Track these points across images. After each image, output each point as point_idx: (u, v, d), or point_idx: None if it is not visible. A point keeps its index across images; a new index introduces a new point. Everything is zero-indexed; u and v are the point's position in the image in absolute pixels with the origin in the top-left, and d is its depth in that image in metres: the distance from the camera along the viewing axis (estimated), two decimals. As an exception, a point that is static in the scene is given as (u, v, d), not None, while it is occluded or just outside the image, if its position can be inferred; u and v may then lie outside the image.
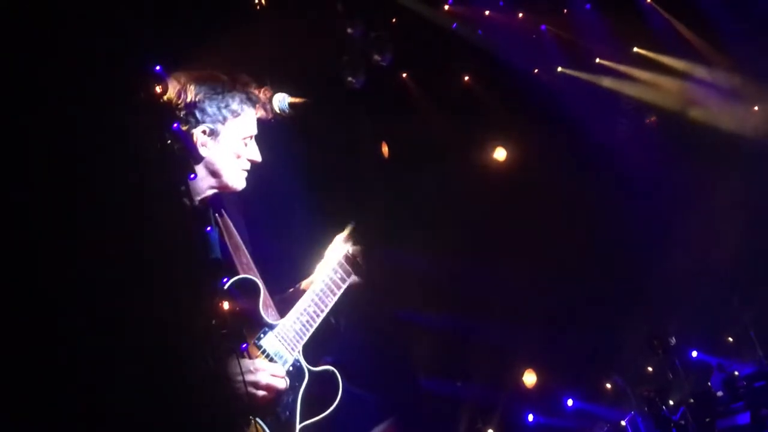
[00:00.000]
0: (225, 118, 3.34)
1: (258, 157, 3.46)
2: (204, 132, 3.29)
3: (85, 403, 2.35)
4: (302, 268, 3.77)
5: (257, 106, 3.47)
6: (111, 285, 2.44)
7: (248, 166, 3.45)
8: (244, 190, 3.50)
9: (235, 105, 3.37)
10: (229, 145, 3.36)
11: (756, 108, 9.74)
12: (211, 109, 3.31)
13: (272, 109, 3.52)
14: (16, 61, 2.40)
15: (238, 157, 3.39)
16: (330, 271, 3.55)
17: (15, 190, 2.37)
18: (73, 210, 2.43)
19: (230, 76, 3.43)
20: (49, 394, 2.32)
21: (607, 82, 9.85)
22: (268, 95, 3.55)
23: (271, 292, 3.48)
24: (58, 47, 2.48)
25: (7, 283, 2.30)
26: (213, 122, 3.31)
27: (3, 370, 2.25)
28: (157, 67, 3.12)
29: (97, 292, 2.42)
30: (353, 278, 3.59)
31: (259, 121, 3.51)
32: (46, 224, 2.38)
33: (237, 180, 3.42)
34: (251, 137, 3.44)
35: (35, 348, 2.32)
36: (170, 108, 3.23)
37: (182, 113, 3.28)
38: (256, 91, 3.50)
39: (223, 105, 3.34)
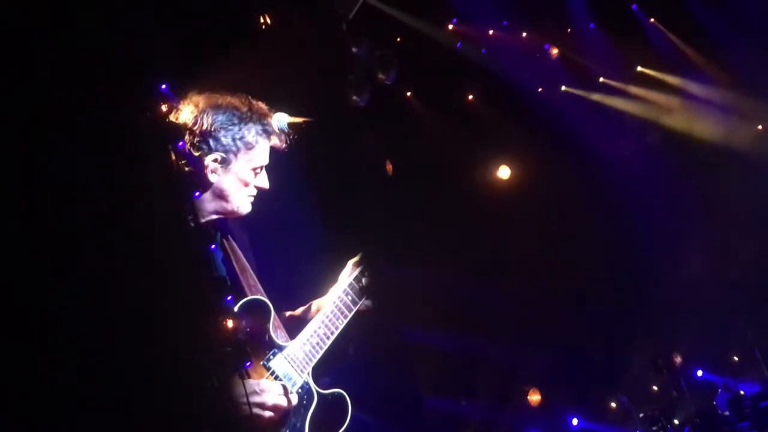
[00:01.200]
0: (238, 149, 3.32)
1: (266, 185, 3.45)
2: (215, 160, 3.27)
3: (85, 420, 2.35)
4: (310, 291, 3.75)
5: (272, 136, 3.48)
6: (114, 298, 2.45)
7: (255, 192, 3.44)
8: (250, 213, 3.50)
9: (250, 137, 3.34)
10: (238, 174, 3.34)
11: (760, 127, 9.76)
12: (225, 139, 3.29)
13: (283, 135, 3.51)
14: (25, 74, 2.42)
15: (246, 185, 3.37)
16: (341, 293, 3.52)
17: (23, 205, 2.38)
18: (75, 222, 2.44)
19: (249, 106, 3.41)
20: (52, 408, 2.32)
21: (610, 100, 9.88)
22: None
23: (279, 312, 3.47)
24: (65, 63, 2.50)
25: (15, 298, 2.32)
26: (225, 152, 3.28)
27: (9, 381, 2.26)
28: (163, 86, 3.14)
29: (99, 306, 2.43)
30: (364, 301, 3.58)
31: (273, 150, 3.50)
32: (49, 236, 2.39)
33: (243, 205, 3.39)
34: (262, 167, 3.44)
35: (39, 362, 2.32)
36: (176, 126, 3.23)
37: (196, 139, 3.26)
38: (273, 122, 3.50)
39: (238, 136, 3.31)
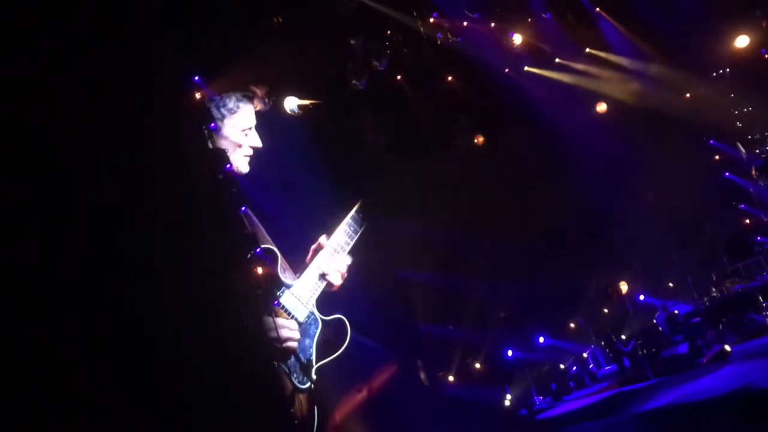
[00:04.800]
0: (223, 116, 3.28)
1: (258, 144, 3.38)
2: (207, 127, 3.24)
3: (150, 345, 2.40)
4: (313, 238, 3.72)
5: (254, 100, 3.38)
6: (169, 252, 2.48)
7: (251, 152, 3.37)
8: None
9: (231, 104, 3.29)
10: (230, 137, 3.29)
11: (688, 95, 9.72)
12: (213, 109, 3.25)
13: (266, 97, 3.42)
14: (96, 74, 2.45)
15: (240, 146, 3.32)
16: (337, 237, 3.45)
17: (102, 168, 2.42)
18: (139, 188, 2.47)
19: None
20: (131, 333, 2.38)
21: (565, 77, 9.83)
22: (264, 90, 3.45)
23: (285, 256, 3.45)
24: (122, 66, 2.52)
25: (101, 246, 2.36)
26: (215, 120, 3.24)
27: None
28: (196, 78, 3.12)
29: (161, 258, 2.47)
30: (355, 240, 3.52)
31: (259, 114, 3.43)
32: (120, 204, 2.43)
33: (241, 165, 3.34)
34: (250, 128, 3.35)
35: (115, 300, 2.38)
36: (208, 111, 3.22)
37: None
38: (253, 88, 3.39)
39: (221, 104, 3.28)
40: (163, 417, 2.43)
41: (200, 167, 2.91)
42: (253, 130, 3.38)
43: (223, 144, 3.29)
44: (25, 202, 2.32)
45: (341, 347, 3.27)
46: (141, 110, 2.55)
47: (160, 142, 2.62)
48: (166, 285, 2.44)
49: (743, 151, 7.38)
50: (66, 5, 2.47)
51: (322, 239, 3.50)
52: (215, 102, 3.28)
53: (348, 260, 3.44)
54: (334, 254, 3.40)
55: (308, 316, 3.25)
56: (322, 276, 3.34)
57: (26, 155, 2.34)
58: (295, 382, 3.06)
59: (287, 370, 3.06)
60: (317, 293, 3.31)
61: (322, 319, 3.28)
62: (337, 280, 3.37)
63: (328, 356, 3.24)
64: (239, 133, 3.32)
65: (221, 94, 3.29)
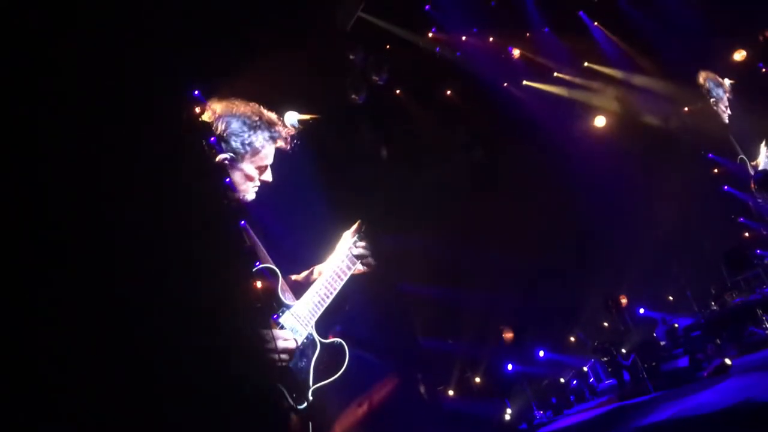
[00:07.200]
0: (246, 153, 3.26)
1: (270, 179, 3.38)
2: (224, 159, 3.22)
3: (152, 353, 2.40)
4: (313, 258, 3.71)
5: (278, 140, 3.37)
6: (166, 262, 2.47)
7: (260, 184, 3.37)
8: (266, 192, 3.47)
9: (257, 143, 3.27)
10: (245, 171, 3.29)
11: (686, 108, 9.74)
12: (235, 143, 3.22)
13: (289, 138, 3.44)
14: (95, 91, 2.46)
15: (252, 179, 3.32)
16: (338, 261, 3.44)
17: (100, 174, 2.42)
18: (136, 197, 2.47)
19: (260, 115, 3.31)
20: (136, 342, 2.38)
21: (563, 91, 9.86)
22: (291, 132, 3.43)
23: (286, 277, 3.43)
24: (122, 72, 2.53)
25: (97, 253, 2.36)
26: (235, 153, 3.23)
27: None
28: (196, 92, 3.13)
29: (161, 272, 2.46)
30: (357, 266, 3.54)
31: (278, 150, 3.45)
32: (118, 215, 2.42)
33: (248, 195, 3.34)
34: (267, 166, 3.36)
35: (115, 313, 2.37)
36: (207, 124, 3.22)
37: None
38: (280, 129, 3.38)
39: (247, 142, 3.25)
40: (157, 428, 2.42)
41: (200, 179, 2.92)
42: (269, 167, 3.38)
43: (236, 175, 3.29)
44: (22, 206, 2.32)
45: (338, 371, 3.25)
46: (140, 118, 2.56)
47: (159, 150, 2.62)
48: (162, 295, 2.44)
49: (748, 163, 7.38)
50: (66, 7, 2.47)
51: (319, 267, 3.51)
52: (241, 138, 3.26)
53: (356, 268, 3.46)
54: (337, 279, 3.40)
55: (307, 338, 3.23)
56: (323, 298, 3.34)
57: (24, 157, 2.33)
58: (291, 402, 3.04)
59: (284, 390, 3.04)
60: (317, 315, 3.30)
61: (320, 342, 3.27)
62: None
63: (325, 379, 3.22)
64: (254, 170, 3.33)
65: (249, 131, 3.28)
